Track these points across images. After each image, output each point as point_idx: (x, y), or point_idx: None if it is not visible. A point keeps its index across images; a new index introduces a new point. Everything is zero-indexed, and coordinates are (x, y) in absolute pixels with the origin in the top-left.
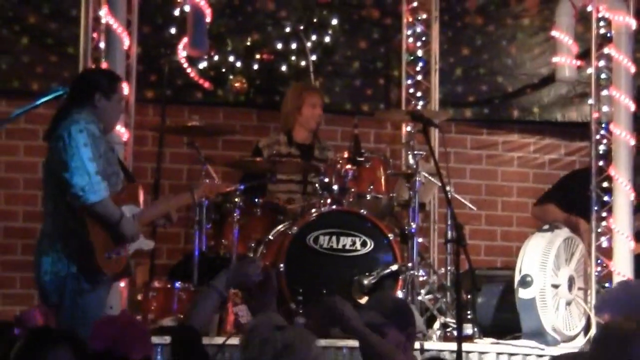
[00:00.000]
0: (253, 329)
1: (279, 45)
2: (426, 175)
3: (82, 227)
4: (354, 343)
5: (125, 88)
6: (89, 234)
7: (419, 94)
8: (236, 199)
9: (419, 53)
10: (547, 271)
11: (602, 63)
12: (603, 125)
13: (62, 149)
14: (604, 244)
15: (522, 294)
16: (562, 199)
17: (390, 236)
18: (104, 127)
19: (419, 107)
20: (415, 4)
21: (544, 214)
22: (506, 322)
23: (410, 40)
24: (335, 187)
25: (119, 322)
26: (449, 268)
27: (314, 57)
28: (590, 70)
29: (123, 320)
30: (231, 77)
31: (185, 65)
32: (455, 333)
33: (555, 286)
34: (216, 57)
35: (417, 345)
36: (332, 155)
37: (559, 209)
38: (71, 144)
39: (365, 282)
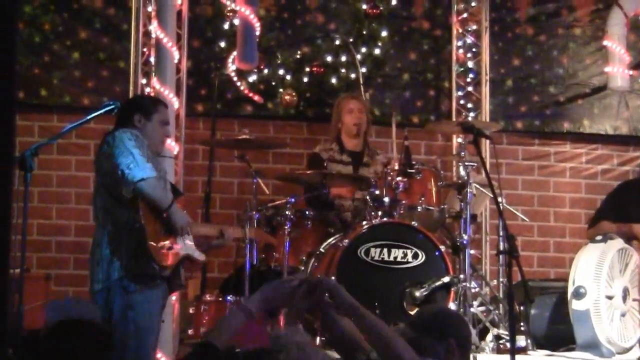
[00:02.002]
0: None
1: (329, 58)
2: (477, 186)
3: (136, 215)
4: None
5: (176, 102)
6: (142, 220)
7: (469, 105)
8: (287, 212)
9: (470, 64)
10: (601, 282)
11: None
12: None
13: (107, 149)
14: None
15: (576, 305)
16: (614, 214)
17: (442, 248)
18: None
19: (469, 118)
20: (465, 15)
21: (599, 233)
22: (560, 333)
23: (461, 51)
24: (386, 199)
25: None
26: (501, 280)
27: (363, 69)
28: None
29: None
30: (281, 90)
31: (235, 78)
32: (508, 345)
33: (610, 297)
34: (266, 71)
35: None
36: (383, 159)
37: (612, 223)
38: (115, 141)
39: (417, 294)
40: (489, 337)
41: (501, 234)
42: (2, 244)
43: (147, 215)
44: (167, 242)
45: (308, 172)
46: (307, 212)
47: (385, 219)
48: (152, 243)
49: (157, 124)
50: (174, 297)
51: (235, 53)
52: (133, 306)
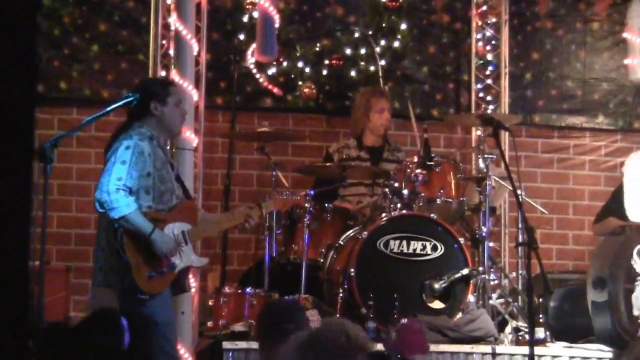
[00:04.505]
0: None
1: (348, 51)
2: (497, 179)
3: (121, 246)
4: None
5: (195, 94)
6: (126, 253)
7: (488, 98)
8: (306, 205)
9: (489, 57)
10: (619, 274)
11: None
12: None
13: (107, 163)
14: None
15: (595, 297)
16: (620, 210)
17: (461, 240)
18: (169, 132)
19: (488, 111)
20: (485, 8)
21: (606, 228)
22: (578, 325)
23: (480, 44)
24: (405, 191)
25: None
26: (520, 272)
27: (383, 62)
28: None
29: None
30: (300, 83)
31: (255, 71)
32: (527, 337)
33: (629, 290)
34: (285, 63)
35: (488, 349)
36: (403, 157)
37: (619, 220)
38: (112, 160)
39: (436, 286)
40: (508, 329)
41: (520, 226)
42: (22, 237)
43: (133, 244)
44: (155, 272)
45: (327, 164)
46: (326, 205)
47: (404, 212)
48: (141, 275)
49: (173, 106)
50: (193, 290)
51: (254, 46)
52: (146, 304)
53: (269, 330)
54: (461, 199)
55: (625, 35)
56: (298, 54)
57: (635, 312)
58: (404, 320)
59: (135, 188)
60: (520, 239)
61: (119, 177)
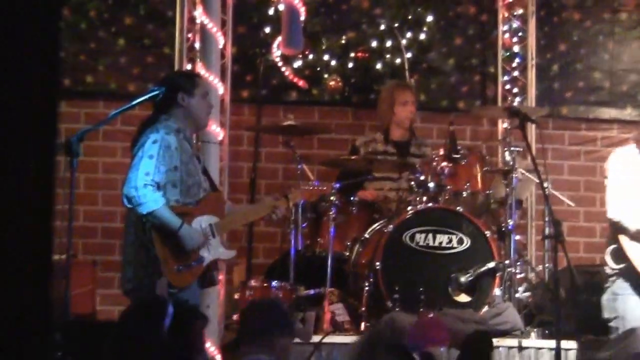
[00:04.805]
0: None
1: (374, 43)
2: (523, 171)
3: (150, 240)
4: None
5: (221, 88)
6: (155, 247)
7: (515, 90)
8: (332, 198)
9: (516, 49)
10: None
11: None
12: None
13: (134, 157)
14: None
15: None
16: None
17: (488, 233)
18: (196, 124)
19: (515, 104)
20: None
21: None
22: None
23: (507, 36)
24: (431, 184)
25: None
26: (547, 265)
27: (409, 55)
28: None
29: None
30: (326, 75)
31: (281, 64)
32: (554, 330)
33: None
34: (311, 56)
35: (515, 342)
36: (429, 152)
37: None
38: (139, 154)
39: (462, 279)
40: (535, 322)
41: (547, 219)
42: (46, 230)
43: (161, 238)
44: (183, 266)
45: (353, 157)
46: (352, 198)
47: (430, 205)
48: (170, 268)
49: (199, 98)
50: (219, 283)
51: (280, 38)
52: (175, 297)
53: (242, 330)
54: (487, 191)
55: None
56: (324, 47)
57: (606, 315)
58: (424, 313)
59: (162, 182)
60: (547, 232)
61: (147, 172)
